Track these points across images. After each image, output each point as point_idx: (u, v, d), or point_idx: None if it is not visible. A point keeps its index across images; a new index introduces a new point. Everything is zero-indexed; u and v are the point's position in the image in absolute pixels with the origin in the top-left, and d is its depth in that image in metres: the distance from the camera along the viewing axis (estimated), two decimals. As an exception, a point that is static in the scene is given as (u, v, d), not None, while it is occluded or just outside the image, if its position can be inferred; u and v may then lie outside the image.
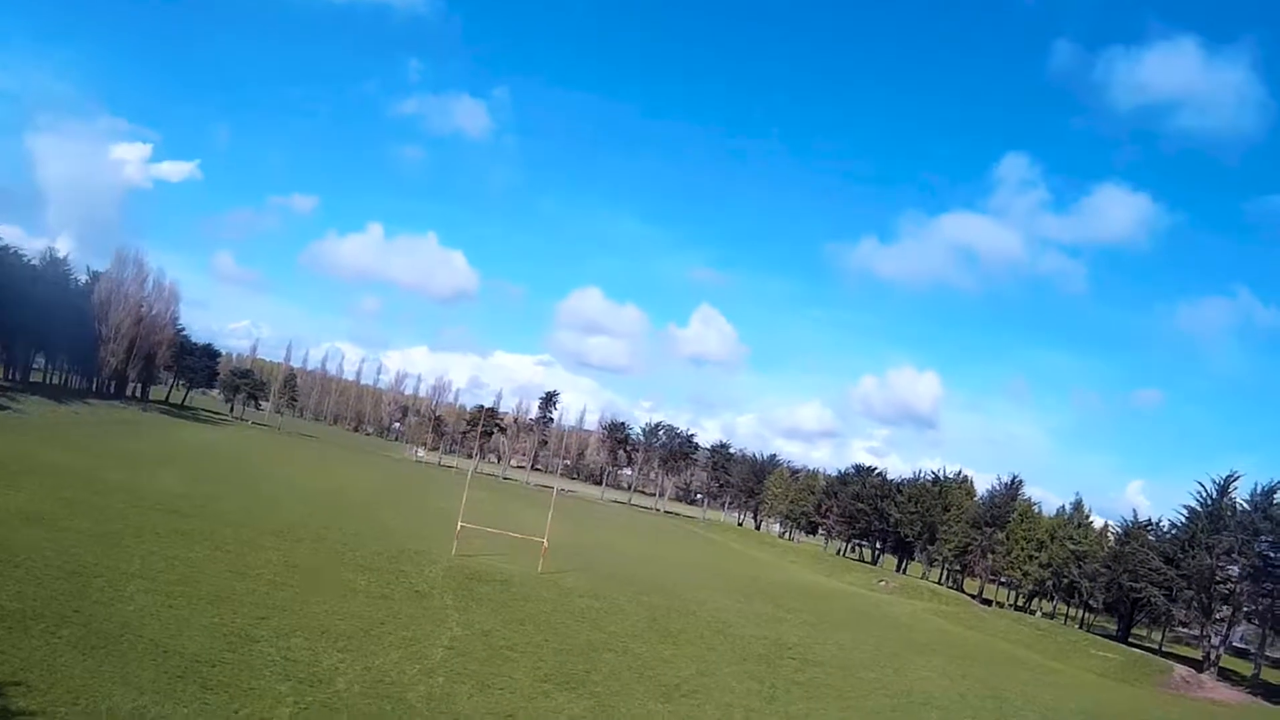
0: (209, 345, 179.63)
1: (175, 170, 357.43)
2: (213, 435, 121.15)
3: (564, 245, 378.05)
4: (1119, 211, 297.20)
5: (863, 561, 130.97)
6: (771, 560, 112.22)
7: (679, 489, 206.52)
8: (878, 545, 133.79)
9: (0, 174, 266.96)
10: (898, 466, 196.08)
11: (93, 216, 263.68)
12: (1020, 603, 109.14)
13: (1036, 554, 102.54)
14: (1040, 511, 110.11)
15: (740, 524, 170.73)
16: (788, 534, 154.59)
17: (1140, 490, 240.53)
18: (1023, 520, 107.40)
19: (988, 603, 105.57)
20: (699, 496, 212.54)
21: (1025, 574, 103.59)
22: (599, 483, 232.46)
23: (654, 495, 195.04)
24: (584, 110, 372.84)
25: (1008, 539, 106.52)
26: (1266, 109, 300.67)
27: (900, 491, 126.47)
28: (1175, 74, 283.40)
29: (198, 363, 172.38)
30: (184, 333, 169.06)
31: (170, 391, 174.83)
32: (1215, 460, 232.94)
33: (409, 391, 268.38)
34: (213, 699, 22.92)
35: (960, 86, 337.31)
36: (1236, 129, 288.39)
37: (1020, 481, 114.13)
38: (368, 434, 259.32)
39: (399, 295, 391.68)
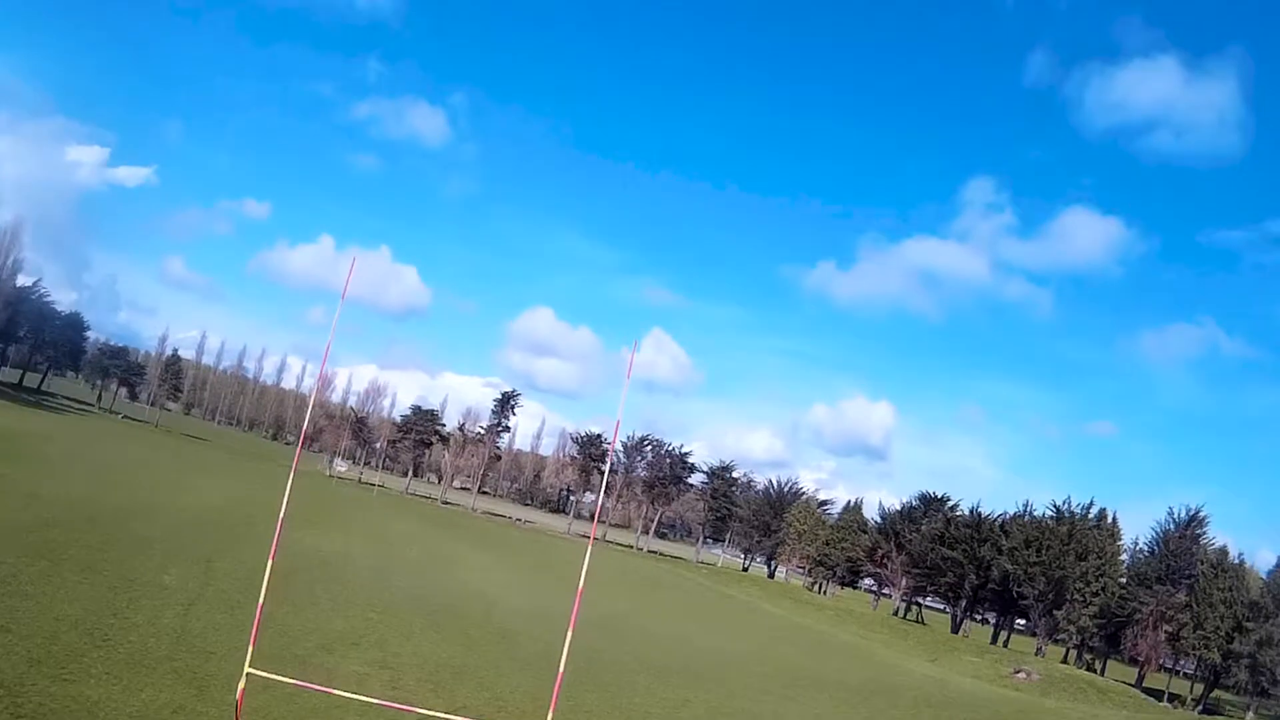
0: (76, 315, 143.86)
1: (132, 175, 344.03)
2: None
3: (517, 263, 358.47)
4: (1087, 236, 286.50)
5: (918, 623, 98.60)
6: (831, 632, 79.12)
7: (655, 521, 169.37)
8: (963, 607, 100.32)
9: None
10: (842, 498, 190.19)
11: (46, 218, 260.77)
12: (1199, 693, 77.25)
13: (1250, 624, 70.73)
14: (1245, 563, 78.13)
15: (745, 569, 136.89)
16: (818, 586, 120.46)
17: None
18: (1217, 576, 75.34)
19: (1158, 695, 74.00)
20: (687, 531, 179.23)
21: (1230, 654, 71.68)
22: (557, 510, 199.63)
23: (629, 529, 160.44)
24: (542, 125, 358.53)
25: (1197, 604, 74.34)
26: (1246, 131, 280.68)
27: (1005, 533, 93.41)
28: (1152, 92, 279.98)
29: (58, 336, 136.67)
30: (44, 298, 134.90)
31: (24, 375, 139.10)
32: (1165, 494, 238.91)
33: (337, 399, 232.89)
34: None
35: (926, 105, 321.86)
36: (1215, 152, 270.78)
37: (1203, 518, 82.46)
38: (288, 443, 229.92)
39: (348, 310, 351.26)
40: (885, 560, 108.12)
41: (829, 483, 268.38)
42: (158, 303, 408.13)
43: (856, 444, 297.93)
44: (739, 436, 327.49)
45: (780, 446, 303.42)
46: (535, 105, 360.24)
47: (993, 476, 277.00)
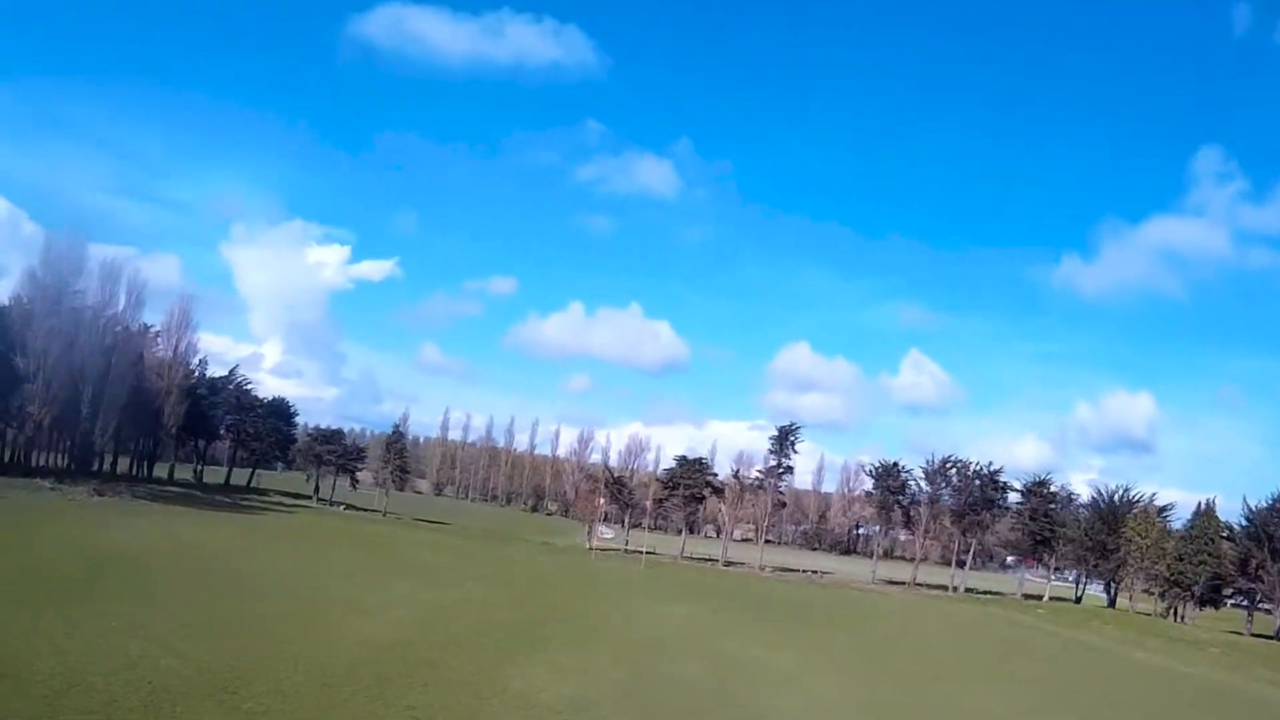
0: (280, 400, 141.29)
1: (375, 269, 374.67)
2: (127, 542, 60.06)
3: (768, 304, 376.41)
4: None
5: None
6: (1252, 691, 64.80)
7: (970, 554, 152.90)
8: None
9: (202, 285, 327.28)
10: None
11: (296, 321, 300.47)
12: None
13: None
14: None
15: (1078, 599, 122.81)
16: (1172, 611, 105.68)
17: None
18: None
19: None
20: (989, 557, 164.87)
21: None
22: (848, 550, 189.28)
23: (927, 562, 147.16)
24: (767, 158, 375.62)
25: None
26: None
27: None
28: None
29: (262, 426, 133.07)
30: (248, 385, 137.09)
31: (230, 473, 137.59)
32: None
33: (596, 459, 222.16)
34: None
35: (1138, 82, 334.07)
36: None
37: None
38: (549, 513, 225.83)
39: (608, 372, 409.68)
40: (1260, 571, 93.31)
41: (1098, 483, 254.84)
42: (417, 390, 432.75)
43: (1122, 439, 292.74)
44: (1006, 447, 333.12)
45: (1047, 451, 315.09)
46: (753, 142, 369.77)
47: (1258, 455, 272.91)
